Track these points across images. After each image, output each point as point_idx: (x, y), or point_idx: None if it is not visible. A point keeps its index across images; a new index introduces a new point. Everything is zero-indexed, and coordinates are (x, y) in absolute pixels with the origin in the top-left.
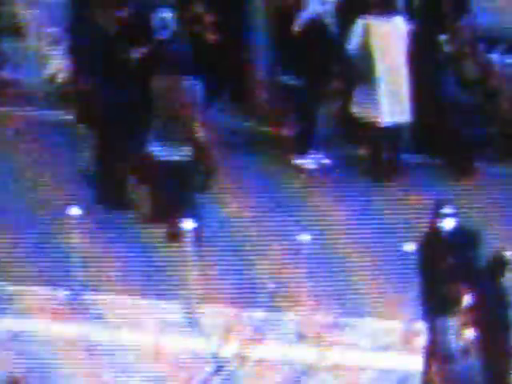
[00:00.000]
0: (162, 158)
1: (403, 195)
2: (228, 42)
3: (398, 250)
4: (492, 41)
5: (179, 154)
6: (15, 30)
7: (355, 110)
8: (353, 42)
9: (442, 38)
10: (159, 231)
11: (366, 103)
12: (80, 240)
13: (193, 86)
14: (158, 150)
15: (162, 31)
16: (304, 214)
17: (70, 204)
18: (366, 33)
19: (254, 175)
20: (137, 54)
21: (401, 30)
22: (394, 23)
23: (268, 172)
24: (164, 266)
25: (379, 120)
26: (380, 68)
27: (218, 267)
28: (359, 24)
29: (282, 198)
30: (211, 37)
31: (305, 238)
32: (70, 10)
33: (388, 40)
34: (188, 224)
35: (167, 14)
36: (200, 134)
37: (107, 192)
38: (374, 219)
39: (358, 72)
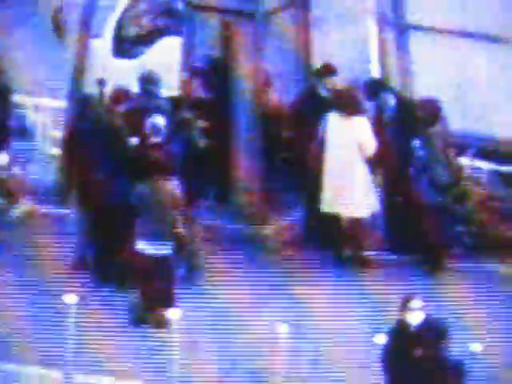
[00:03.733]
0: (147, 253)
1: (374, 288)
2: (215, 146)
3: (368, 341)
4: (462, 146)
5: (164, 248)
6: (24, 132)
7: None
8: (317, 138)
9: (415, 142)
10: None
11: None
12: (76, 324)
13: (177, 187)
14: (145, 245)
15: (155, 135)
16: (282, 303)
17: (66, 291)
18: (326, 126)
19: (239, 269)
20: (130, 154)
21: (360, 130)
22: (353, 121)
23: (252, 266)
24: (153, 351)
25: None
26: (331, 161)
27: (201, 355)
28: (325, 119)
29: (264, 290)
30: (200, 141)
31: (282, 327)
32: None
33: (345, 136)
34: (174, 313)
35: (160, 120)
36: (183, 230)
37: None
38: (344, 308)
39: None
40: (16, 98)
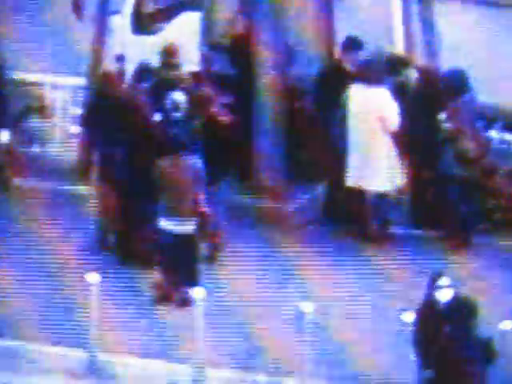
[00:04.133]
0: (169, 230)
1: (397, 265)
2: (236, 124)
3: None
4: (490, 118)
5: (187, 226)
6: (42, 110)
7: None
8: (340, 112)
9: (441, 115)
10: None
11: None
12: (98, 304)
13: (197, 164)
14: (166, 224)
15: (175, 111)
16: (303, 282)
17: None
18: (347, 101)
19: (259, 248)
20: (153, 131)
21: (379, 100)
22: (374, 92)
23: (273, 245)
24: (173, 330)
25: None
26: (354, 137)
27: (223, 333)
28: (346, 94)
29: (284, 268)
30: (221, 118)
31: (305, 306)
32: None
33: (367, 107)
34: (197, 292)
35: (179, 96)
36: (206, 208)
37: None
38: (369, 287)
39: (344, 143)
40: (35, 76)
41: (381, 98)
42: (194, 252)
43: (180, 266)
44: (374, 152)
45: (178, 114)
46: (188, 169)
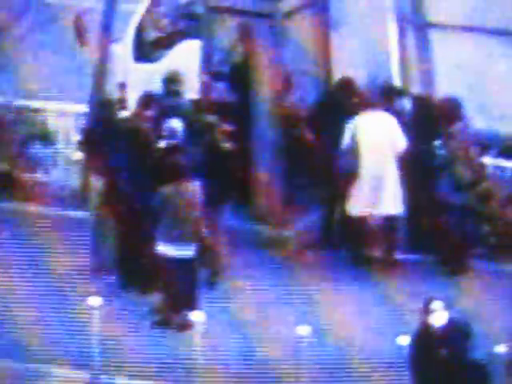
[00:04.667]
0: (169, 255)
1: (397, 290)
2: (238, 149)
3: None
4: (485, 144)
5: (186, 251)
6: (46, 137)
7: (350, 208)
8: (346, 141)
9: (437, 141)
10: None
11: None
12: (101, 327)
13: (198, 189)
14: (166, 248)
15: (171, 139)
16: (302, 306)
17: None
18: (357, 129)
19: (259, 272)
20: (155, 157)
21: (388, 125)
22: (381, 118)
23: (272, 269)
24: (176, 354)
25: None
26: (367, 163)
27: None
28: (351, 122)
29: (285, 291)
30: (224, 144)
31: (303, 329)
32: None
33: (375, 134)
34: (197, 316)
35: (176, 124)
36: (205, 232)
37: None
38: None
39: (351, 170)
40: (38, 103)
41: (390, 122)
42: (194, 276)
43: (180, 290)
44: (387, 176)
45: (173, 142)
46: (189, 194)
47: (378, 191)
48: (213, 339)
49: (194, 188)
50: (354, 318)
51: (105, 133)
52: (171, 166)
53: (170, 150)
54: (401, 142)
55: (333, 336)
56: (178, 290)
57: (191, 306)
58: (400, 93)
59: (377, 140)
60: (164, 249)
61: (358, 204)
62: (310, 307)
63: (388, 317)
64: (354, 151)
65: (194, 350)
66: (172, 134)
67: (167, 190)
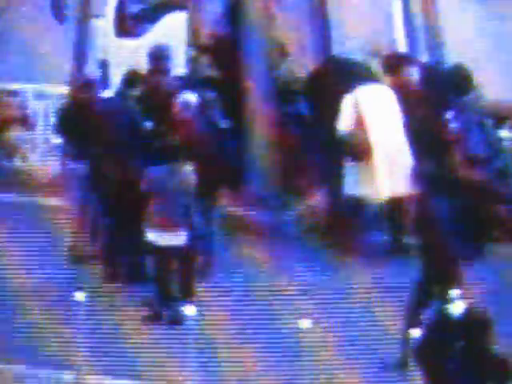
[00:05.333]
0: (158, 244)
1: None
2: (227, 133)
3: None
4: (500, 117)
5: (178, 239)
6: (24, 121)
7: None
8: (344, 119)
9: (448, 114)
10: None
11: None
12: (85, 323)
13: (188, 174)
14: (154, 236)
15: (185, 112)
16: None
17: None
18: (357, 106)
19: (260, 259)
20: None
21: (389, 98)
22: (381, 91)
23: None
24: (165, 350)
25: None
26: (375, 140)
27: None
28: (348, 99)
29: (287, 280)
30: (221, 122)
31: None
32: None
33: (379, 109)
34: (189, 309)
35: (191, 97)
36: (199, 219)
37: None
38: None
39: (352, 150)
40: (16, 85)
41: (390, 94)
42: (186, 266)
43: (171, 281)
44: (400, 152)
45: (186, 116)
46: (180, 177)
47: (396, 170)
48: (206, 333)
49: (184, 172)
50: (365, 306)
51: (85, 114)
52: (161, 148)
53: (179, 124)
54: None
55: (339, 326)
56: (168, 281)
57: (183, 297)
58: (407, 61)
59: (384, 113)
60: (153, 237)
61: (384, 188)
62: (318, 298)
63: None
64: (359, 126)
65: (187, 347)
66: (186, 108)
67: (157, 172)
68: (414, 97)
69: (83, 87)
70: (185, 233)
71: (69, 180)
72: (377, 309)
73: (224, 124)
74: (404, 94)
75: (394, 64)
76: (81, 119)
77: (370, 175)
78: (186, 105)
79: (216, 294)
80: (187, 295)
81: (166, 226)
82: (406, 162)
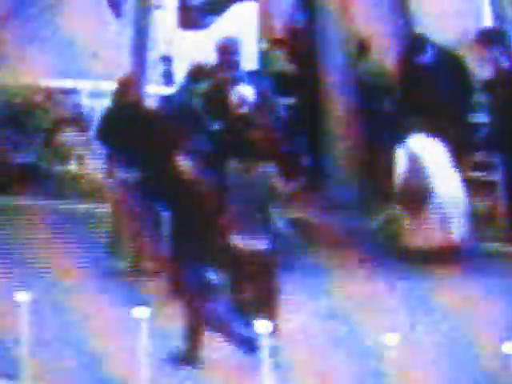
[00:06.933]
0: (242, 248)
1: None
2: (306, 126)
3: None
4: None
5: (257, 244)
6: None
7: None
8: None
9: None
10: None
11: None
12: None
13: (271, 171)
14: (238, 239)
15: (242, 106)
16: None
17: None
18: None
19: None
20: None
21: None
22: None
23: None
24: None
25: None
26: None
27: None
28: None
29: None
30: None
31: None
32: None
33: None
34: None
35: (248, 91)
36: (282, 223)
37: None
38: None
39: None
40: (70, 82)
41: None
42: (268, 276)
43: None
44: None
45: (244, 110)
46: (258, 178)
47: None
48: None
49: (263, 170)
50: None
51: (132, 115)
52: (234, 144)
53: (239, 121)
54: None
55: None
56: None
57: (266, 313)
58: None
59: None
60: (232, 241)
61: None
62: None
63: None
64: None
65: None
66: (242, 103)
67: (231, 171)
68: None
69: (127, 86)
70: (266, 237)
71: (125, 187)
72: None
73: (295, 121)
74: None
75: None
76: (127, 122)
77: None
78: (243, 99)
79: (293, 307)
80: (268, 311)
81: (245, 229)
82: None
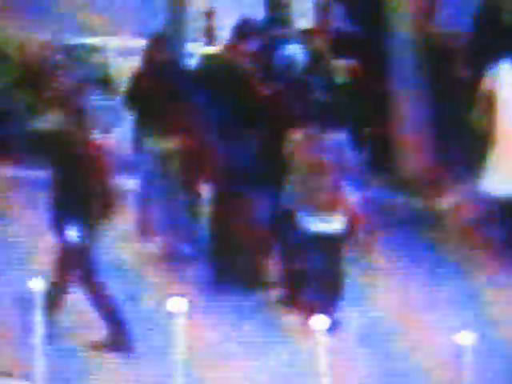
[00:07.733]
0: (308, 230)
1: None
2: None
3: None
4: None
5: (328, 225)
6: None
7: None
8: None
9: None
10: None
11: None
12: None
13: (339, 143)
14: (304, 220)
15: (291, 70)
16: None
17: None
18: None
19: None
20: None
21: None
22: None
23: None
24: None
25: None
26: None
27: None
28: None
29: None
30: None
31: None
32: None
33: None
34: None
35: (296, 50)
36: (350, 203)
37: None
38: None
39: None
40: (98, 39)
41: None
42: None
43: (323, 277)
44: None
45: (294, 74)
46: (328, 148)
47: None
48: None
49: (334, 140)
50: None
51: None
52: (298, 108)
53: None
54: None
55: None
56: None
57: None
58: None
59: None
60: (306, 222)
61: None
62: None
63: None
64: (489, 105)
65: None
66: (289, 64)
67: (296, 140)
68: None
69: (156, 44)
70: (341, 217)
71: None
72: None
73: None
74: None
75: None
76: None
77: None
78: (289, 61)
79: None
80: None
81: (320, 207)
82: None
